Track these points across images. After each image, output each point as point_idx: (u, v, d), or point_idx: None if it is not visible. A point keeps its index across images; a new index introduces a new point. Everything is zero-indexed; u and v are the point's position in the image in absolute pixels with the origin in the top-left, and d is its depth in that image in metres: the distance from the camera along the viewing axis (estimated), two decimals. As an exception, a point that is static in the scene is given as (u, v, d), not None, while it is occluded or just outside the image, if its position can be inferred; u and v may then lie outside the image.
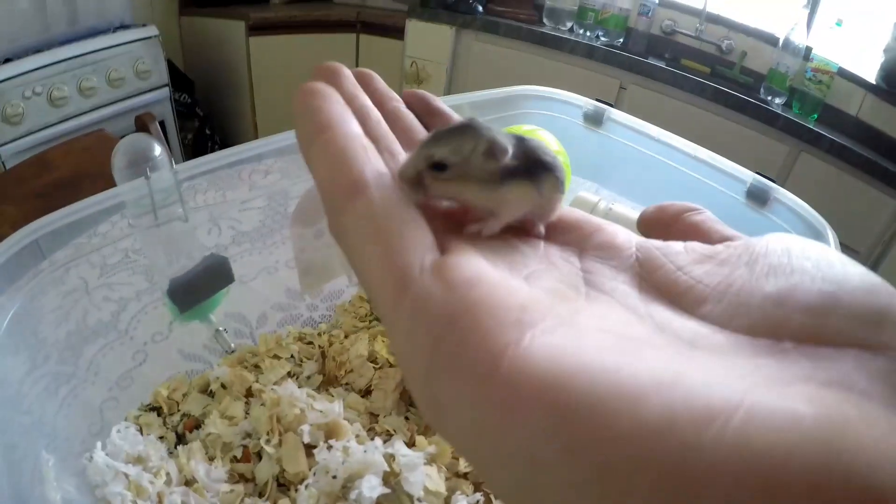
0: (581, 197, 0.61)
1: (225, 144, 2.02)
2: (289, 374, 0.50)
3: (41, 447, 0.43)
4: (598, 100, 0.72)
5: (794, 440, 0.11)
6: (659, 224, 0.23)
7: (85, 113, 1.62)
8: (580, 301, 0.17)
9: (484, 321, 0.14)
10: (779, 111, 1.62)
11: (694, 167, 0.68)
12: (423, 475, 0.39)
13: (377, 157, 0.18)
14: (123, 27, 1.70)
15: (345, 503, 0.39)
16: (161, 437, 0.49)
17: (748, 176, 0.68)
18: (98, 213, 0.52)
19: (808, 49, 1.73)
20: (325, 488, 0.39)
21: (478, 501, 0.41)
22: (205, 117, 2.03)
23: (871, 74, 1.73)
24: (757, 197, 0.69)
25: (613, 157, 0.73)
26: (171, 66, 1.86)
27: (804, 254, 0.17)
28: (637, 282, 0.18)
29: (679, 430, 0.11)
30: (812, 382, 0.13)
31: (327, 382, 0.51)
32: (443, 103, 0.25)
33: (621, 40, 1.88)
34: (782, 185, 1.72)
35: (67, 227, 0.52)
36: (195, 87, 2.02)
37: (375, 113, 0.22)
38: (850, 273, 0.16)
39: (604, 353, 0.13)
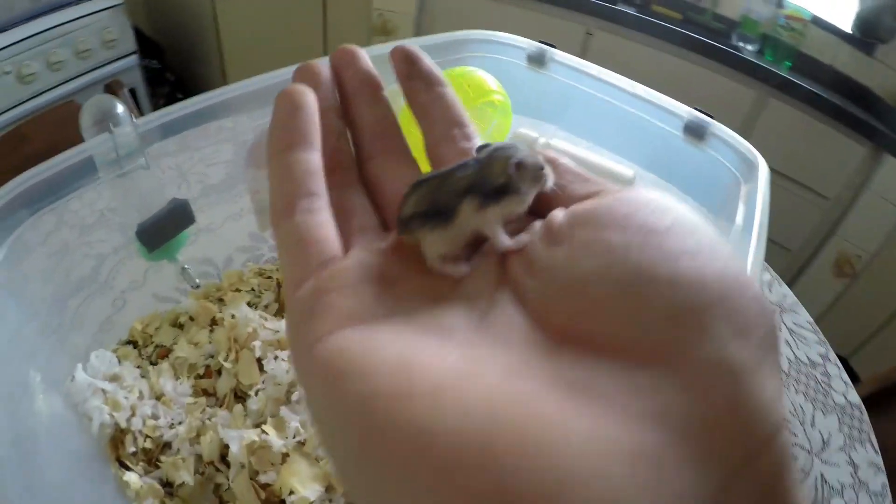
0: (520, 133, 0.67)
1: (198, 110, 2.06)
2: (248, 304, 0.56)
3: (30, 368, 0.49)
4: (542, 41, 0.77)
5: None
6: None
7: (55, 87, 1.65)
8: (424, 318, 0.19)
9: (315, 316, 0.18)
10: (751, 58, 1.66)
11: (634, 104, 0.73)
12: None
13: (317, 184, 0.21)
14: (87, -3, 1.72)
15: (288, 405, 0.45)
16: (138, 367, 0.56)
17: (685, 112, 0.72)
18: (71, 168, 0.57)
19: (781, -5, 1.77)
20: (273, 394, 0.46)
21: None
22: (175, 82, 2.07)
23: (846, 23, 1.77)
24: (694, 132, 0.74)
25: (557, 97, 0.77)
26: (139, 34, 1.89)
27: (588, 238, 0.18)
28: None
29: (381, 402, 0.15)
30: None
31: (283, 309, 0.57)
32: (428, 64, 0.26)
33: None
34: (750, 131, 1.77)
35: (45, 184, 0.56)
36: (164, 53, 2.05)
37: (339, 125, 0.25)
38: None
39: (377, 345, 0.17)
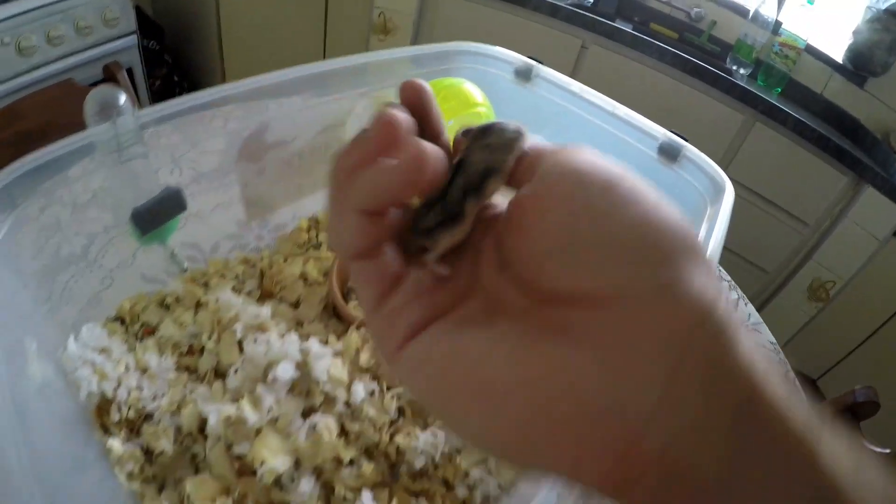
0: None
1: (192, 90, 2.09)
2: (232, 290, 0.61)
3: (25, 335, 0.53)
4: (531, 57, 0.81)
5: None
6: None
7: (53, 62, 1.68)
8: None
9: (392, 329, 0.24)
10: (742, 82, 1.72)
11: (612, 123, 0.78)
12: (328, 364, 0.51)
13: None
14: (90, -26, 1.76)
15: (265, 384, 0.50)
16: (125, 342, 0.60)
17: (660, 133, 0.76)
18: (71, 153, 0.61)
19: (778, 23, 1.83)
20: (251, 373, 0.51)
21: (373, 390, 0.53)
22: (173, 64, 2.11)
23: (838, 54, 1.83)
24: (668, 153, 0.78)
25: (540, 111, 0.82)
26: (140, 13, 1.92)
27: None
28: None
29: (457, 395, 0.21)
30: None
31: (264, 296, 0.62)
32: (434, 108, 0.26)
33: (592, 0, 1.96)
34: (734, 154, 1.81)
35: (42, 168, 0.60)
36: (164, 34, 2.09)
37: None
38: None
39: (445, 347, 0.22)
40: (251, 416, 0.47)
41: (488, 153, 0.25)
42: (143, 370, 0.55)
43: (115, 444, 0.51)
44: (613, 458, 0.19)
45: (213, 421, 0.48)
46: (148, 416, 0.54)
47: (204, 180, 0.83)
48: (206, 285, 0.64)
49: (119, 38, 1.80)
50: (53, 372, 0.55)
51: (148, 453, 0.52)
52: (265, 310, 0.55)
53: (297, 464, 0.48)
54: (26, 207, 0.61)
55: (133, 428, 0.54)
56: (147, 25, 2.02)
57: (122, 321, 0.63)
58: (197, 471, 0.51)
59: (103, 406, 0.54)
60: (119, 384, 0.54)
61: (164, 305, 0.64)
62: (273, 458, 0.46)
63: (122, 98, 0.57)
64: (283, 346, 0.50)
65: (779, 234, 1.76)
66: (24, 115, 1.15)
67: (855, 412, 0.90)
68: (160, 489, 0.52)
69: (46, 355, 0.56)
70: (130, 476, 0.51)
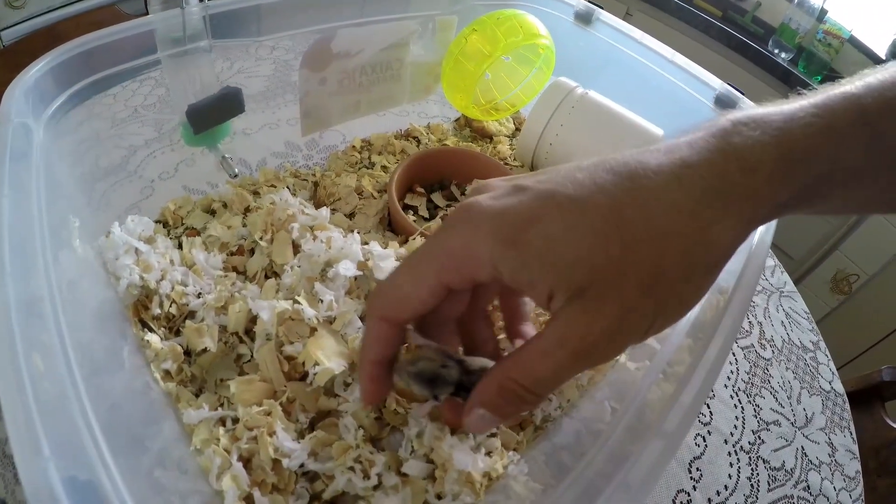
0: (559, 81, 0.68)
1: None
2: (284, 195, 0.58)
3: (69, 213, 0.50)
4: (590, 1, 0.78)
5: None
6: None
7: (89, -2, 1.65)
8: None
9: None
10: (784, 65, 1.67)
11: (671, 71, 0.75)
12: (392, 264, 0.47)
13: None
14: None
15: (323, 283, 0.47)
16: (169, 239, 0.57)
17: (718, 84, 0.74)
18: (131, 38, 0.56)
19: (823, 11, 1.78)
20: (307, 272, 0.48)
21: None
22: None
23: (881, 49, 1.78)
24: (724, 104, 0.75)
25: (599, 56, 0.79)
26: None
27: None
28: None
29: None
30: None
31: (318, 207, 0.59)
32: None
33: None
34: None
35: (105, 49, 0.57)
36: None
37: None
38: None
39: None
40: (308, 311, 0.44)
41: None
42: (190, 265, 0.52)
43: (155, 338, 0.48)
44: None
45: (265, 317, 0.45)
46: (190, 315, 0.51)
47: (251, 101, 0.80)
48: (255, 193, 0.61)
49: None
50: (92, 259, 0.52)
51: (187, 354, 0.49)
52: (324, 211, 0.52)
53: (352, 367, 0.45)
54: (62, 119, 0.57)
55: (172, 327, 0.51)
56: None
57: (165, 224, 0.60)
58: (241, 374, 0.48)
59: (141, 301, 0.50)
60: (163, 277, 0.50)
61: (209, 211, 0.61)
62: (328, 359, 0.43)
63: (190, -12, 0.54)
64: (345, 244, 0.47)
65: (807, 220, 1.71)
66: (65, 36, 1.12)
67: (881, 392, 0.88)
68: (198, 393, 0.48)
69: (85, 241, 0.52)
70: (167, 375, 0.48)
